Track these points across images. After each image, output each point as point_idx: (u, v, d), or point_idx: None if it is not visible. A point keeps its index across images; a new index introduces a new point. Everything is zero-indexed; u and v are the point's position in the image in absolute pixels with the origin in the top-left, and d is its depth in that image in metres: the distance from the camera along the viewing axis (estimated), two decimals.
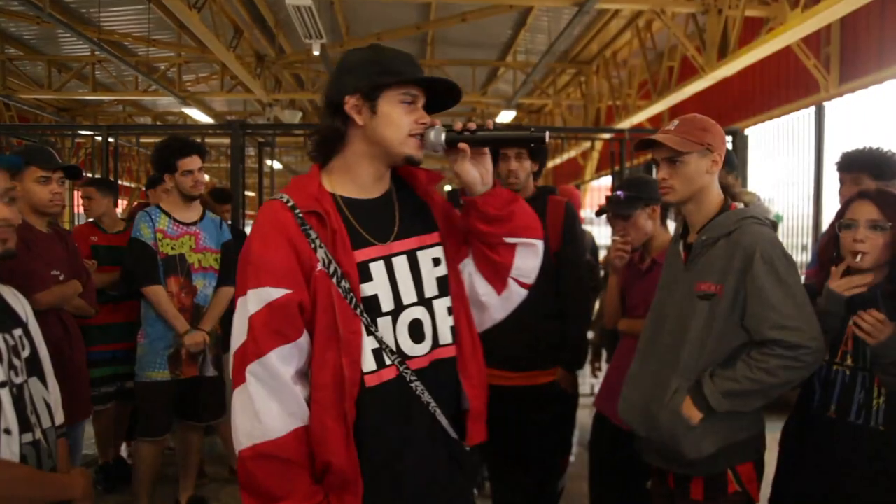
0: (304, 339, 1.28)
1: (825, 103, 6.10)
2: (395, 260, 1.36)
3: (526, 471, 2.94)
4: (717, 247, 1.73)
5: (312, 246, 1.29)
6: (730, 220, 1.74)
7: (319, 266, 1.29)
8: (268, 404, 1.24)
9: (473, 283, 1.48)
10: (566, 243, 2.68)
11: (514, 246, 1.43)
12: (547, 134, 1.39)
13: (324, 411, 1.26)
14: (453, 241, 1.47)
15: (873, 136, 5.32)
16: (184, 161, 3.01)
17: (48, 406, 1.51)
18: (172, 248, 3.02)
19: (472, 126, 1.37)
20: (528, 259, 1.47)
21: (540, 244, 1.49)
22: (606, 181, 11.26)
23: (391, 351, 1.31)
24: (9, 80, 9.54)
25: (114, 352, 3.46)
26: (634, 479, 2.35)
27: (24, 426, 1.40)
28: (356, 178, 1.38)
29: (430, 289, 1.39)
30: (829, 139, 6.10)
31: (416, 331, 1.36)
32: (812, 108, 6.24)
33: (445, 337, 1.40)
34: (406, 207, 1.43)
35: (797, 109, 6.46)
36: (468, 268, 1.48)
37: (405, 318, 1.35)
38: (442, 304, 1.40)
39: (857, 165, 2.59)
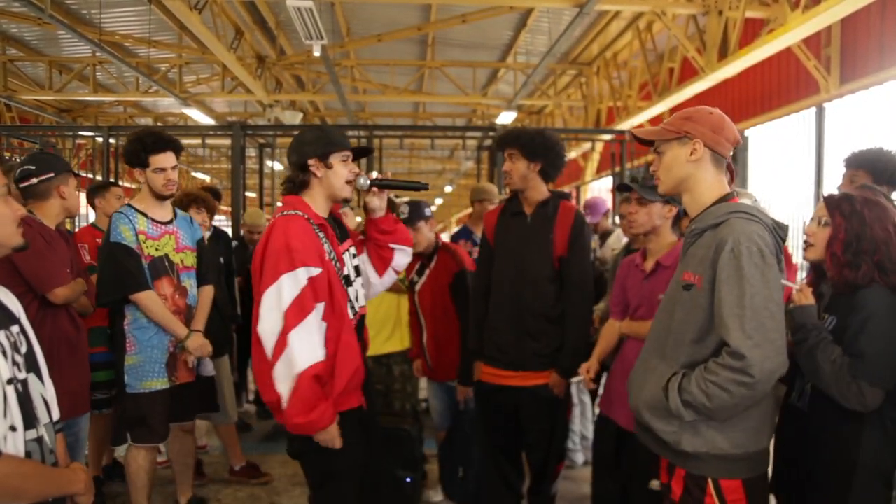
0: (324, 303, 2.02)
1: (826, 104, 6.11)
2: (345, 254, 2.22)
3: (520, 471, 2.96)
4: (704, 237, 1.69)
5: (323, 242, 2.06)
6: (720, 211, 1.68)
7: (326, 256, 2.05)
8: (320, 339, 1.99)
9: (366, 270, 2.35)
10: (571, 249, 2.71)
11: (394, 249, 2.35)
12: (427, 185, 2.32)
13: (349, 339, 2.08)
14: (358, 243, 2.35)
15: (874, 137, 5.32)
16: (156, 157, 2.80)
17: (46, 402, 1.52)
18: (157, 250, 2.85)
19: (379, 176, 2.25)
20: (401, 258, 2.38)
21: (409, 250, 2.40)
22: (607, 182, 11.27)
23: (352, 306, 2.15)
24: (10, 81, 9.55)
25: None
26: (637, 481, 2.35)
27: (28, 423, 1.41)
28: (318, 206, 2.15)
29: (353, 271, 2.24)
30: (829, 140, 6.11)
31: (358, 296, 2.22)
32: (812, 109, 6.24)
33: (362, 301, 2.26)
34: (337, 223, 2.25)
35: (798, 110, 6.47)
36: (363, 260, 2.34)
37: (355, 286, 2.21)
38: (359, 281, 2.26)
39: (855, 163, 2.64)
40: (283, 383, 1.93)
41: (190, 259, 2.99)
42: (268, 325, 1.95)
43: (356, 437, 2.10)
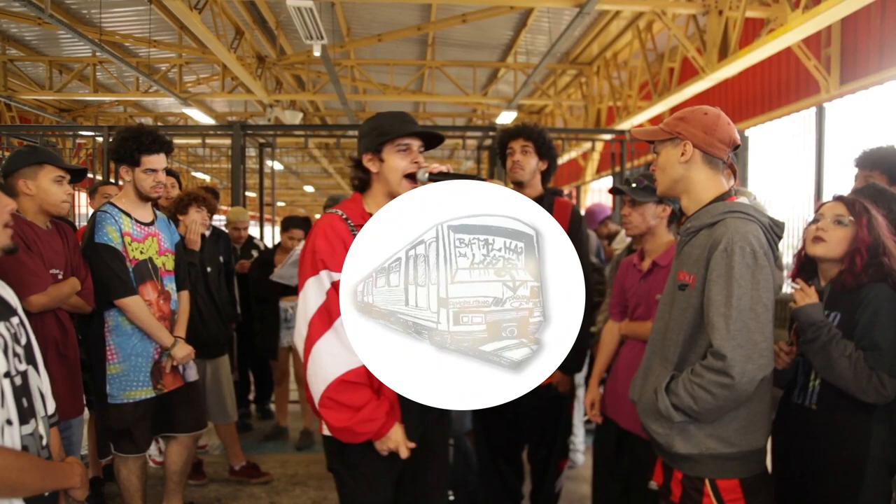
0: None
1: (826, 104, 6.11)
2: None
3: (520, 472, 2.95)
4: (699, 236, 1.69)
5: None
6: (716, 211, 1.68)
7: None
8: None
9: None
10: None
11: None
12: (486, 179, 1.96)
13: None
14: None
15: (874, 137, 5.31)
16: (149, 158, 2.69)
17: (42, 395, 1.52)
18: (141, 252, 2.73)
19: (442, 169, 1.90)
20: None
21: None
22: (607, 182, 11.26)
23: None
24: (10, 80, 9.55)
25: None
26: (637, 480, 2.35)
27: (25, 417, 1.41)
28: (380, 204, 1.80)
29: None
30: (829, 140, 6.10)
31: None
32: (813, 109, 6.24)
33: None
34: None
35: (798, 110, 6.47)
36: None
37: None
38: None
39: (870, 162, 2.62)
40: (316, 391, 1.81)
41: (171, 262, 2.89)
42: (298, 331, 1.86)
43: (375, 472, 1.88)
